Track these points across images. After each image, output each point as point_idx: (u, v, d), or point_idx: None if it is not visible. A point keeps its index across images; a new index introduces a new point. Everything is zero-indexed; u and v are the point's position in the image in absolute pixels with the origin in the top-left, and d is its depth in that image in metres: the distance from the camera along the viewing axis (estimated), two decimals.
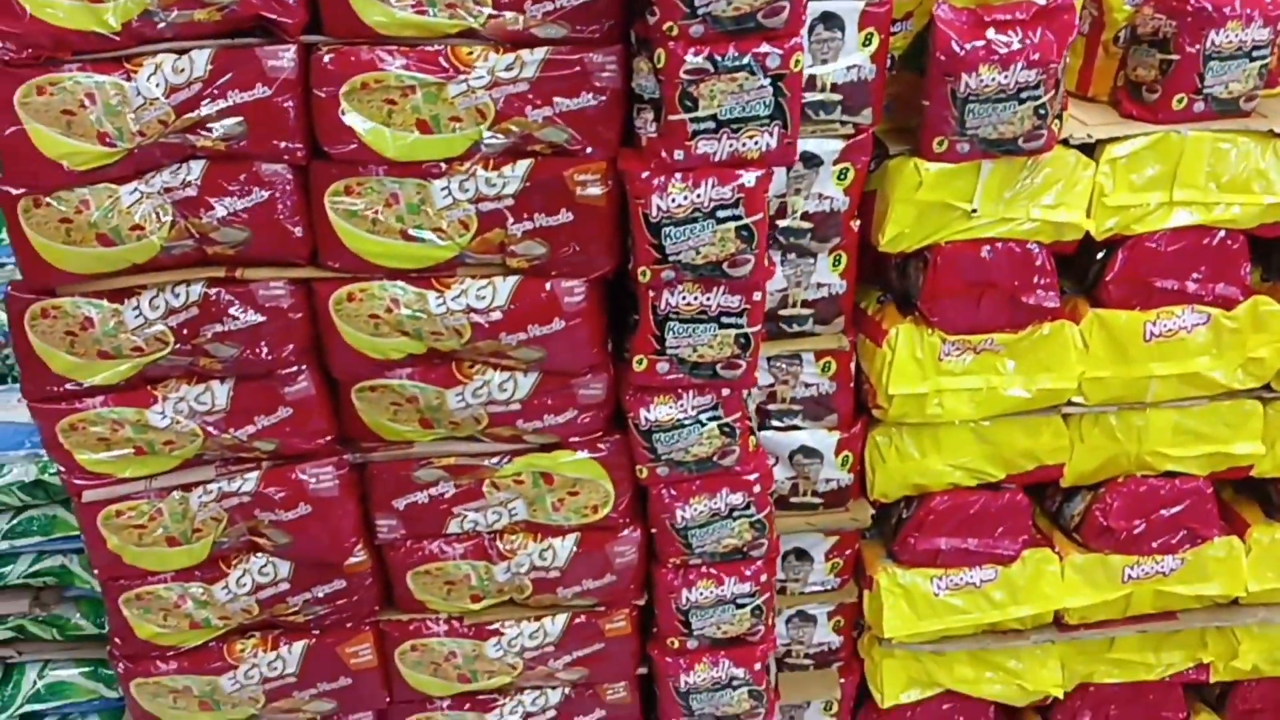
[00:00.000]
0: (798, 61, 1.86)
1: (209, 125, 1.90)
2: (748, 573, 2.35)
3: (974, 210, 2.15)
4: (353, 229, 1.97)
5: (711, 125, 1.89)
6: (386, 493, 2.22)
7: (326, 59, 1.87)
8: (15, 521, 2.37)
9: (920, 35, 2.13)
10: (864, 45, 2.02)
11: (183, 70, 1.86)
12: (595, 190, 1.97)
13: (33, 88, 1.84)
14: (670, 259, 1.98)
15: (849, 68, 2.03)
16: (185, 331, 2.01)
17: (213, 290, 1.99)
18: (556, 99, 1.92)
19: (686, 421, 2.15)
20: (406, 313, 2.03)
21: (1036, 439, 2.38)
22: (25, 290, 1.99)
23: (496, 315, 2.04)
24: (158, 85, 1.86)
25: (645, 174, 1.92)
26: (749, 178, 1.92)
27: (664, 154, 1.91)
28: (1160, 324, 2.26)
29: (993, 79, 2.01)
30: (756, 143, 1.91)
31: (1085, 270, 2.31)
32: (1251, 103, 2.14)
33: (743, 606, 2.38)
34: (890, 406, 2.29)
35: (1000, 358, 2.28)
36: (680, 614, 2.37)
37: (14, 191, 1.89)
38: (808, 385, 2.32)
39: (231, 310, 2.00)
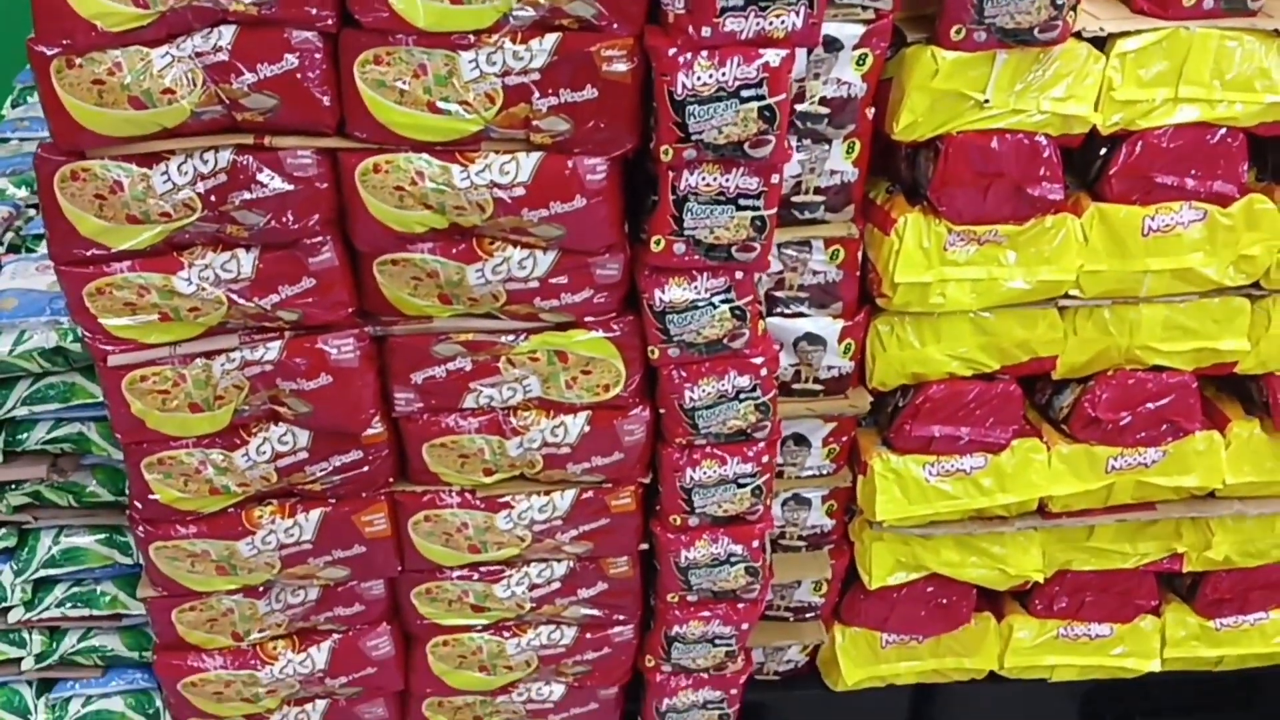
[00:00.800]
0: None
1: None
2: (750, 454, 2.43)
3: (986, 101, 2.20)
4: (380, 99, 2.00)
5: (739, 2, 1.92)
6: (405, 366, 2.27)
7: None
8: (34, 388, 2.40)
9: None
10: None
11: None
12: (621, 66, 1.99)
13: None
14: (693, 138, 2.02)
15: None
16: (213, 198, 2.03)
17: (241, 157, 2.01)
18: None
19: (700, 303, 2.21)
20: (431, 186, 2.06)
21: (1032, 330, 2.46)
22: (55, 152, 2.00)
23: (519, 191, 2.07)
24: None
25: (672, 51, 1.95)
26: (774, 57, 1.95)
27: (691, 30, 1.94)
28: (1159, 219, 2.33)
29: None
30: (783, 21, 1.95)
31: (1088, 165, 2.37)
32: (1259, 1, 2.20)
33: (744, 486, 2.46)
34: (895, 295, 2.36)
35: (1002, 249, 2.35)
36: (684, 492, 2.45)
37: (48, 51, 1.90)
38: (815, 273, 2.38)
39: (259, 177, 2.02)
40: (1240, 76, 2.22)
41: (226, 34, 1.94)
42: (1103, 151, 2.34)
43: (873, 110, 2.25)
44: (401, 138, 2.04)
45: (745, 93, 1.98)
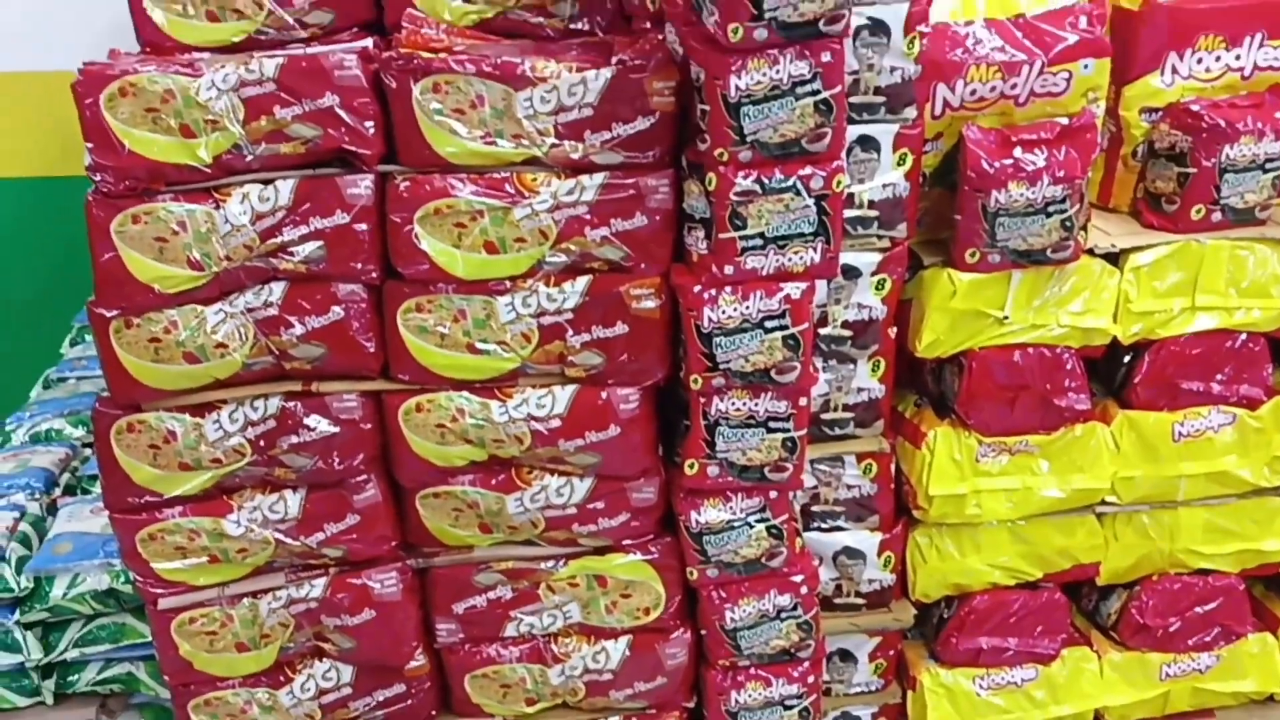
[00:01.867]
0: (839, 183, 2.00)
1: (291, 249, 2.03)
2: (795, 674, 2.40)
3: (1005, 317, 2.27)
4: (422, 343, 2.09)
5: (759, 242, 2.02)
6: (447, 597, 2.29)
7: (402, 187, 2.02)
8: (86, 630, 2.45)
9: (950, 154, 2.27)
10: (898, 165, 2.16)
11: (268, 199, 2.01)
12: (650, 304, 2.09)
13: (129, 216, 1.98)
14: (721, 367, 2.09)
15: (885, 185, 2.16)
16: (262, 443, 2.12)
17: (290, 403, 2.11)
18: (613, 220, 2.06)
19: (736, 523, 2.24)
20: (471, 422, 2.13)
21: (1072, 538, 2.45)
22: (112, 406, 2.10)
23: (555, 423, 2.14)
24: (244, 213, 2.01)
25: (697, 288, 2.04)
26: (794, 290, 2.04)
27: (715, 269, 2.04)
28: (1188, 424, 2.36)
29: (1021, 194, 2.14)
30: (801, 258, 2.04)
31: (1113, 373, 2.42)
32: (1266, 211, 2.28)
33: (790, 708, 2.42)
34: (931, 507, 2.38)
35: (1035, 458, 2.38)
36: (729, 716, 2.42)
37: (107, 314, 2.02)
38: (850, 487, 2.40)
39: (307, 422, 2.11)
40: (1255, 283, 2.28)
41: (277, 290, 2.07)
42: (1126, 359, 2.39)
43: (895, 330, 2.32)
44: (443, 378, 2.12)
45: (769, 323, 2.06)
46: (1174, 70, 2.29)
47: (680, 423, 2.23)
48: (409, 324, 2.09)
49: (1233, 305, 2.29)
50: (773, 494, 2.24)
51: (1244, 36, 2.26)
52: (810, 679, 2.40)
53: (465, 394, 2.14)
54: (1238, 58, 2.27)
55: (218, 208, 2.00)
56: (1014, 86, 2.19)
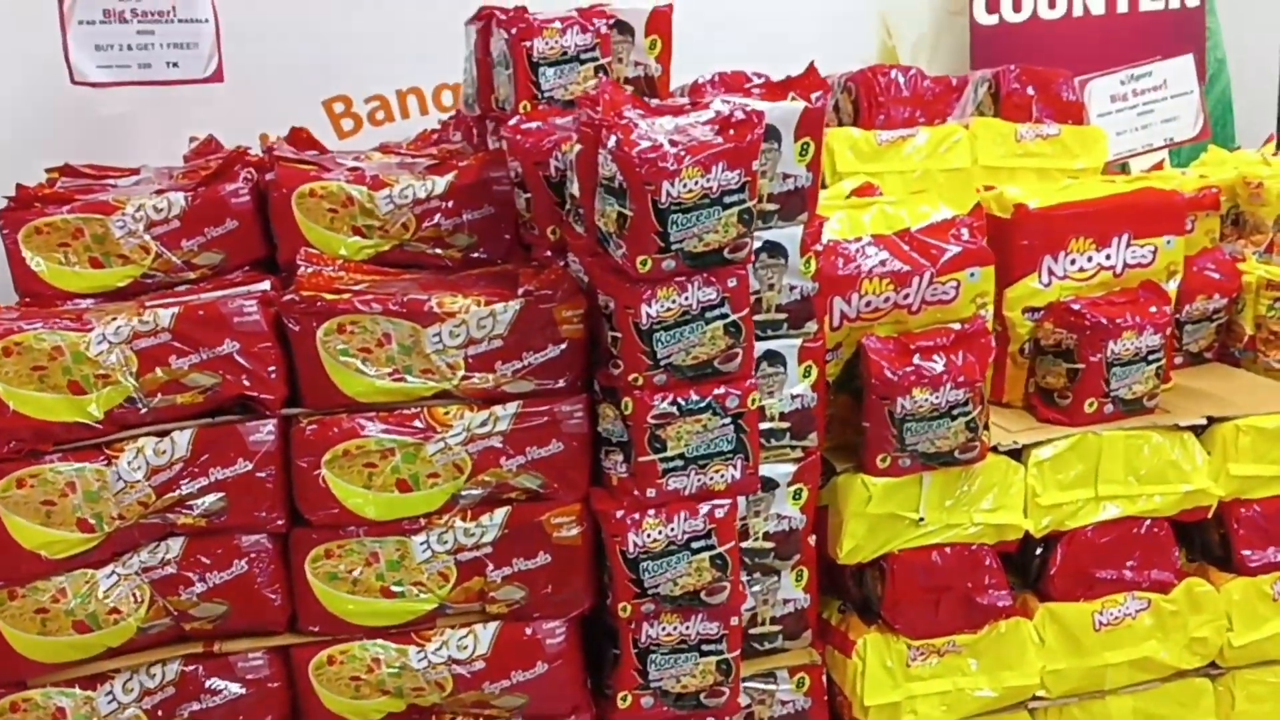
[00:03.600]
0: (754, 400, 2.02)
1: (189, 503, 1.94)
2: None
3: (921, 519, 2.28)
4: (333, 591, 1.99)
5: (680, 463, 2.00)
6: None
7: (308, 430, 1.95)
8: None
9: (850, 362, 2.31)
10: (804, 377, 2.18)
11: (164, 451, 1.92)
12: (572, 532, 2.04)
13: (12, 481, 1.87)
14: (649, 593, 2.03)
15: (794, 397, 2.18)
16: (160, 714, 1.96)
17: (190, 667, 1.97)
18: (529, 448, 2.03)
19: None
20: (388, 671, 2.02)
21: None
22: None
23: (479, 664, 2.04)
24: (139, 468, 1.91)
25: (620, 513, 2.01)
26: (719, 509, 2.02)
27: (636, 493, 2.01)
28: (1106, 613, 2.37)
29: (925, 399, 2.18)
30: (723, 475, 2.03)
31: (1028, 565, 2.44)
32: (1154, 400, 2.37)
33: None
34: (866, 718, 2.32)
35: (964, 658, 2.35)
36: None
37: None
38: (784, 703, 2.33)
39: (210, 686, 1.96)
40: (1152, 470, 2.35)
41: (175, 546, 1.96)
42: (1039, 551, 2.41)
43: (814, 537, 2.30)
44: (356, 626, 2.01)
45: (695, 544, 2.03)
46: (1050, 272, 2.41)
47: (607, 652, 2.15)
48: (318, 572, 1.99)
49: (1134, 493, 2.35)
50: None
51: (1111, 237, 2.39)
52: None
53: (380, 641, 2.03)
54: (1108, 257, 2.40)
55: (109, 464, 1.90)
56: (906, 296, 2.27)
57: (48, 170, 2.46)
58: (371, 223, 2.26)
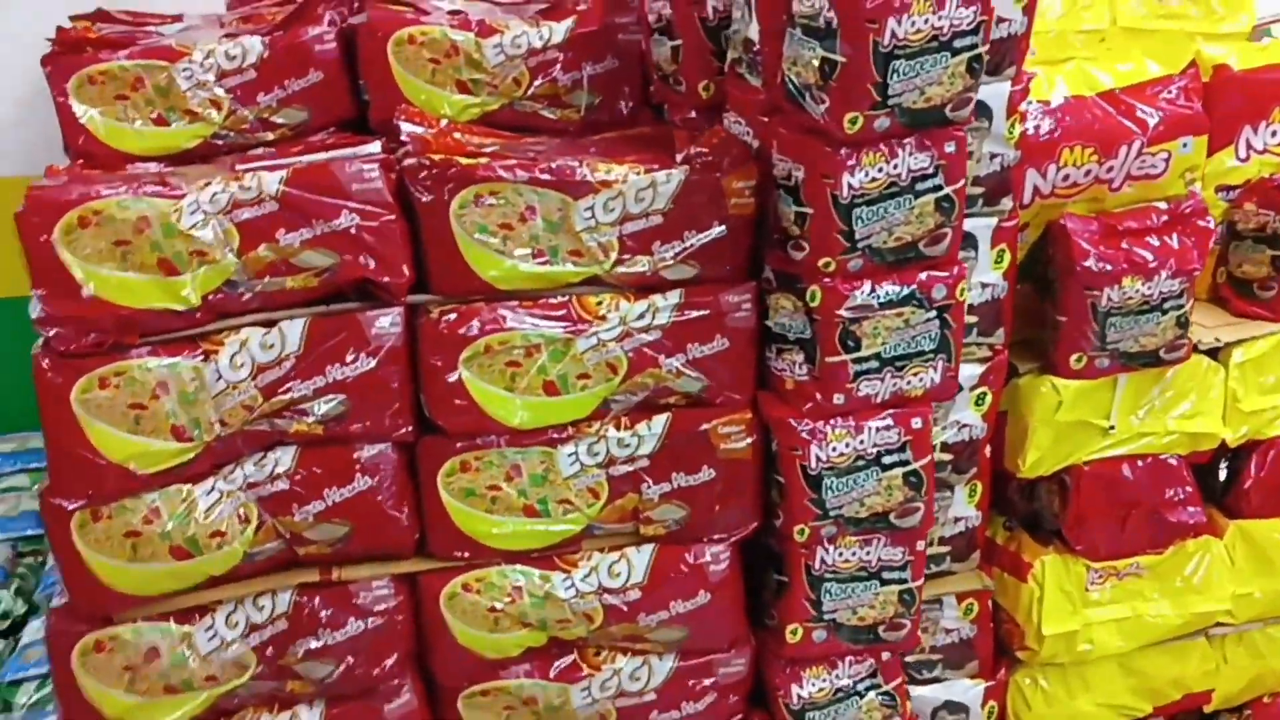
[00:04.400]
0: (963, 290, 1.72)
1: (302, 407, 1.62)
2: None
3: (1111, 428, 2.01)
4: (469, 510, 1.70)
5: (875, 364, 1.71)
6: None
7: (441, 322, 1.63)
8: None
9: (1037, 245, 2.02)
10: (996, 263, 1.89)
11: (272, 346, 1.60)
12: (742, 443, 1.75)
13: (94, 380, 1.54)
14: (831, 514, 1.76)
15: (984, 287, 1.88)
16: (271, 651, 1.67)
17: (305, 598, 1.68)
18: (690, 345, 1.72)
19: (844, 694, 1.89)
20: (530, 601, 1.74)
21: (1185, 665, 2.19)
22: (73, 620, 1.62)
23: (634, 594, 1.77)
24: (242, 365, 1.59)
25: (802, 422, 1.72)
26: (917, 420, 1.73)
27: (820, 398, 1.71)
28: None
29: (1136, 291, 1.90)
30: (921, 380, 1.74)
31: (1213, 479, 2.18)
32: None
33: None
34: (1041, 648, 2.08)
35: (1145, 581, 2.11)
36: None
37: (68, 505, 1.56)
38: (949, 631, 2.08)
39: (326, 617, 1.67)
40: None
41: (286, 458, 1.65)
42: (1224, 463, 2.15)
43: (989, 448, 2.03)
44: (494, 550, 1.73)
45: (887, 459, 1.75)
46: (1249, 145, 2.11)
47: (769, 579, 1.88)
48: (451, 488, 1.69)
49: None
50: (884, 655, 1.90)
51: None
52: None
53: (521, 567, 1.75)
54: None
55: (207, 360, 1.58)
56: (1110, 169, 1.96)
57: (73, 17, 2.07)
58: (479, 76, 1.93)
